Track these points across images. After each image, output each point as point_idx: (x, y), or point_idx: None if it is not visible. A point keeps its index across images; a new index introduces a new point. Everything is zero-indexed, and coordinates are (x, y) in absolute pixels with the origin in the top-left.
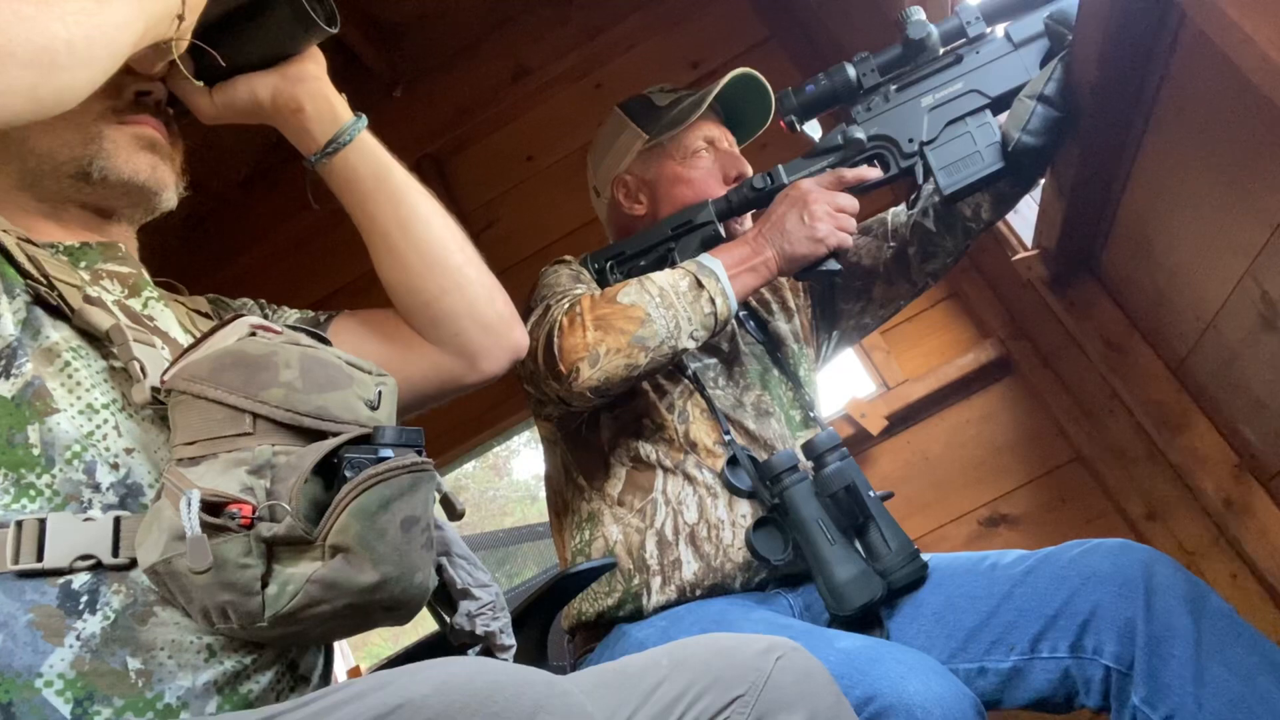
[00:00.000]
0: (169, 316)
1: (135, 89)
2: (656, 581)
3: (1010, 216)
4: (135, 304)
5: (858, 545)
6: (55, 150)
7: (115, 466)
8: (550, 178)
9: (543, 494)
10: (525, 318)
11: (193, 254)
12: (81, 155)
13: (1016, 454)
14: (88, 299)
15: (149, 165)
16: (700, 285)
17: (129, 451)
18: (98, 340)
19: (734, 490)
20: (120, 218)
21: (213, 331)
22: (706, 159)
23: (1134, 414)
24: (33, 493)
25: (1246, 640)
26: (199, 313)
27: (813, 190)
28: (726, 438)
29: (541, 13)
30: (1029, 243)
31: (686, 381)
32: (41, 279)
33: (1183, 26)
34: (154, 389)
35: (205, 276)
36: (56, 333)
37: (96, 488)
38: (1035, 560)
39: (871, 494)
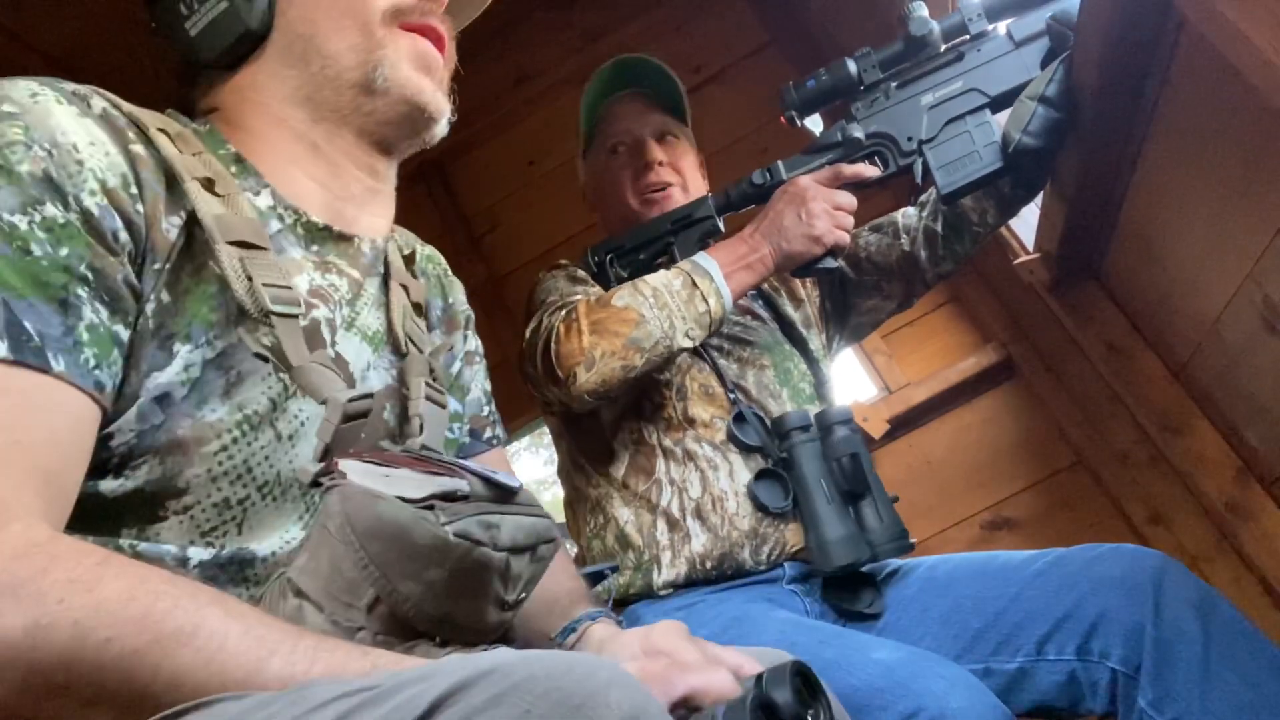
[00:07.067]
0: (356, 342)
1: None
2: (666, 556)
3: (1012, 220)
4: (343, 314)
5: (852, 512)
6: (341, 53)
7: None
8: (551, 182)
9: (544, 497)
10: (525, 324)
11: None
12: (366, 61)
13: (1018, 458)
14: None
15: (430, 85)
16: (694, 285)
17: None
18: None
19: (740, 445)
20: (393, 150)
21: (413, 462)
22: (619, 158)
23: (1136, 417)
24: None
25: (1255, 646)
26: (416, 305)
27: (811, 188)
28: (731, 396)
29: (542, 18)
30: (1030, 246)
31: (687, 357)
32: (265, 349)
33: (1182, 31)
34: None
35: None
36: (223, 408)
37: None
38: (1045, 563)
39: (873, 472)
